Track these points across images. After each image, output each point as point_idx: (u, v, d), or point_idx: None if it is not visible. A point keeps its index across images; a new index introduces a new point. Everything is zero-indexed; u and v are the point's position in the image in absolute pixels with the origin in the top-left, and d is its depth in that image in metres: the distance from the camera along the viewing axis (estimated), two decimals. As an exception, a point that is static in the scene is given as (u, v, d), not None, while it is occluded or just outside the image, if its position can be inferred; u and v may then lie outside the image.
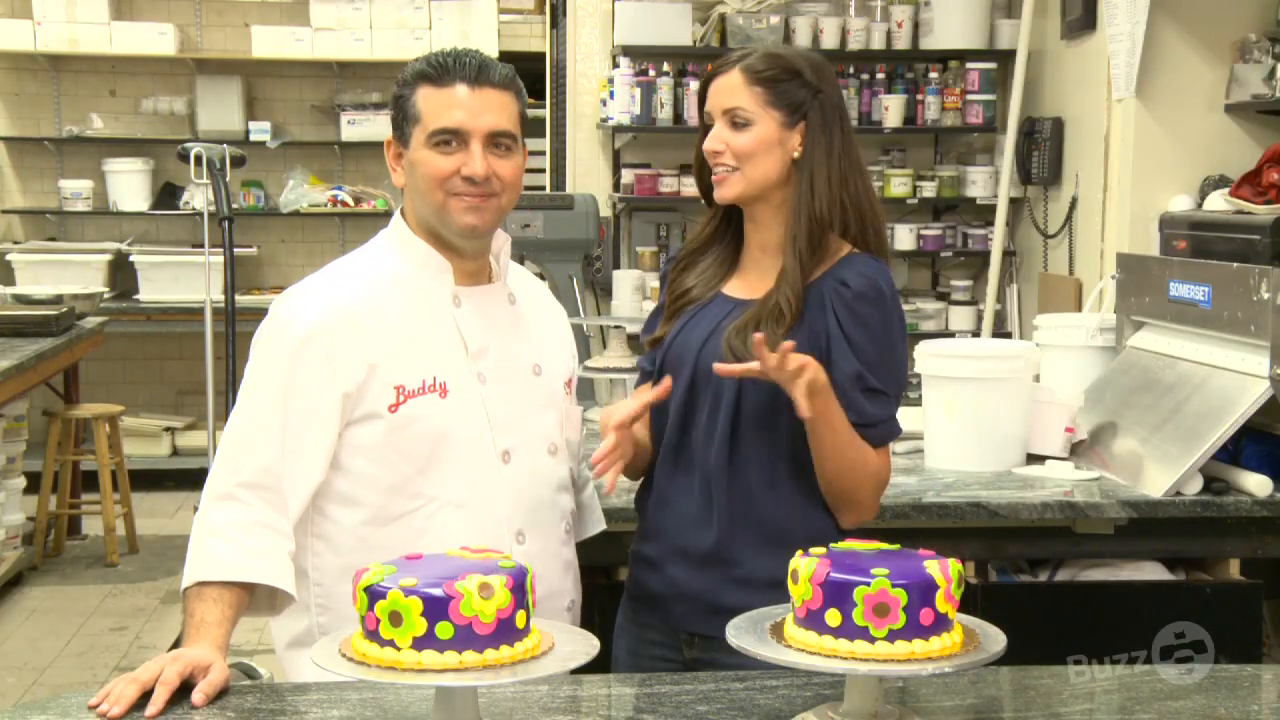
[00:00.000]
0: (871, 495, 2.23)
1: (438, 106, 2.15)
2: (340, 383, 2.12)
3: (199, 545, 2.06)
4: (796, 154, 2.20)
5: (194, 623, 1.97)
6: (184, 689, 1.86)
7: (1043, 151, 6.02)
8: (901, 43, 6.54)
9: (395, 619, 1.66)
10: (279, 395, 2.11)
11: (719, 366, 2.10)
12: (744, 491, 2.20)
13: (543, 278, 5.23)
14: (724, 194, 2.22)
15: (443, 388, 2.16)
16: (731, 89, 2.20)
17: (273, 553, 2.06)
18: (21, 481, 5.89)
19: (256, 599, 2.07)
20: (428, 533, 2.14)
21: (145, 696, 1.84)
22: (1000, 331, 6.44)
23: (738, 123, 2.20)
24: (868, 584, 1.70)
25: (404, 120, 2.18)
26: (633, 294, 5.28)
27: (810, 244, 2.18)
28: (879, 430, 2.19)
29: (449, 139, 2.14)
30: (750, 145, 2.19)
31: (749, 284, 2.27)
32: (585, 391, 3.81)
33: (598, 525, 2.45)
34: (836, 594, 1.71)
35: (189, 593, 2.01)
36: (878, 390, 2.18)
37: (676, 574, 2.24)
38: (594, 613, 2.47)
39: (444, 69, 2.16)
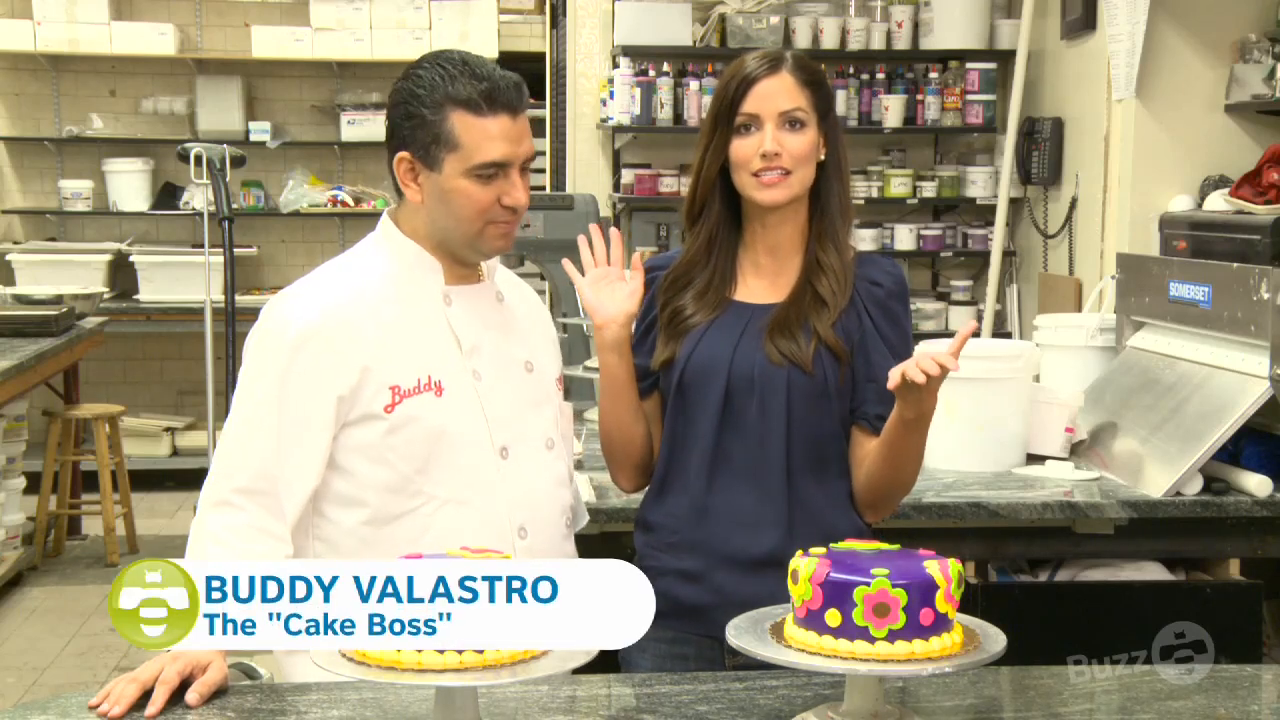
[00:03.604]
0: (909, 490, 2.29)
1: (482, 138, 2.10)
2: (334, 385, 2.11)
3: (196, 551, 2.07)
4: (822, 155, 2.25)
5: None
6: (184, 688, 1.87)
7: (1043, 151, 6.01)
8: (901, 43, 6.54)
9: (395, 619, 1.66)
10: (273, 400, 2.11)
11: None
12: (801, 493, 2.22)
13: (543, 278, 5.22)
14: (776, 196, 2.20)
15: (438, 386, 2.16)
16: (788, 91, 2.20)
17: (270, 558, 2.05)
18: (21, 481, 5.89)
19: None
20: (429, 531, 2.14)
21: (146, 696, 1.85)
22: (1000, 331, 6.45)
23: (794, 125, 2.20)
24: (868, 584, 1.70)
25: (432, 142, 2.12)
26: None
27: (845, 238, 2.27)
28: None
29: (494, 171, 2.13)
30: (807, 148, 2.21)
31: (762, 288, 2.27)
32: (585, 391, 3.80)
33: (582, 518, 2.45)
34: (836, 594, 1.71)
35: None
36: None
37: (724, 582, 2.21)
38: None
39: (489, 98, 2.10)
